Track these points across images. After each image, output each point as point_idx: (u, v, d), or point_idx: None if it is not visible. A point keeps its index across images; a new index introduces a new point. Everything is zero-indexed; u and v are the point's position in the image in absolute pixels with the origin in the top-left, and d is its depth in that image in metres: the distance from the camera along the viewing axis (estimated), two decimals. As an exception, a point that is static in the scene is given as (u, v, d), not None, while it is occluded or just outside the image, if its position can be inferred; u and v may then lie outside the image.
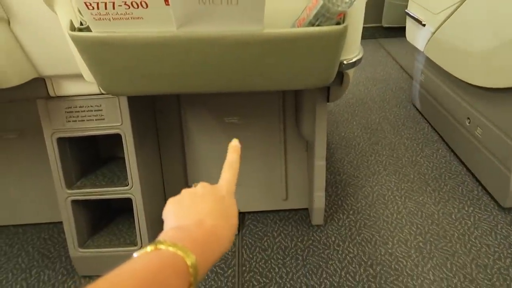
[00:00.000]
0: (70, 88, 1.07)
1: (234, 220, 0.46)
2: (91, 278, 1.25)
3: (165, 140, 1.40)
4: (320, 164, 1.31)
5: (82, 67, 0.92)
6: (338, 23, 0.78)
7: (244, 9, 0.69)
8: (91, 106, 1.09)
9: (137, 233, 1.20)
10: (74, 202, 1.17)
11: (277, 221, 1.45)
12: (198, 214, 0.43)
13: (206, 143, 1.40)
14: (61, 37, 0.90)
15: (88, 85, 1.05)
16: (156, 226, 1.33)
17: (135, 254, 0.35)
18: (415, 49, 2.09)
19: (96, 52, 0.76)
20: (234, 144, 0.54)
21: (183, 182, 1.44)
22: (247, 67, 0.83)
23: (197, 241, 0.39)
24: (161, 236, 0.38)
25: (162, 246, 0.36)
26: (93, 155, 1.33)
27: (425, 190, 1.58)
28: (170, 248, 0.36)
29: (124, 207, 1.34)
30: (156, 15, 0.71)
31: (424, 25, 1.92)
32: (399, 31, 2.91)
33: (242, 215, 1.47)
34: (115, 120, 1.11)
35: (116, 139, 1.16)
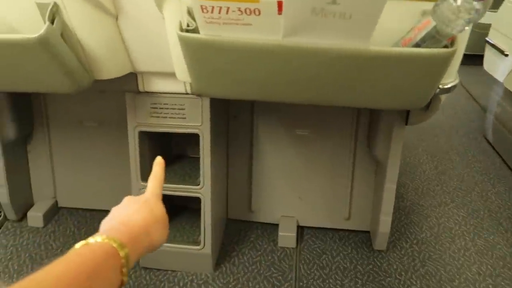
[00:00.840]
0: (158, 85, 1.11)
1: (162, 215, 0.51)
2: (151, 270, 1.28)
3: (233, 145, 1.42)
4: (390, 187, 1.27)
5: (177, 66, 0.96)
6: (445, 46, 0.75)
7: (355, 24, 0.69)
8: (175, 105, 1.13)
9: (201, 232, 1.22)
10: (146, 194, 1.21)
11: (337, 240, 1.42)
12: (125, 216, 0.48)
13: (274, 152, 1.40)
14: (161, 36, 0.94)
15: (175, 83, 1.09)
16: (218, 227, 1.34)
17: (77, 245, 0.40)
18: (492, 79, 1.99)
19: (201, 53, 0.79)
20: (158, 160, 0.60)
21: (246, 189, 1.45)
22: (343, 82, 0.82)
23: (125, 234, 0.43)
24: (93, 236, 0.42)
25: (92, 239, 0.40)
26: (166, 152, 1.38)
27: (497, 229, 1.49)
28: (99, 239, 0.40)
29: (185, 204, 1.37)
30: (265, 23, 0.73)
31: (506, 55, 1.82)
32: (472, 59, 2.79)
33: (301, 229, 1.46)
34: (196, 120, 1.14)
35: (187, 138, 1.19)
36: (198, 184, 1.19)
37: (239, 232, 1.45)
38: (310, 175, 1.41)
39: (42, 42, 0.80)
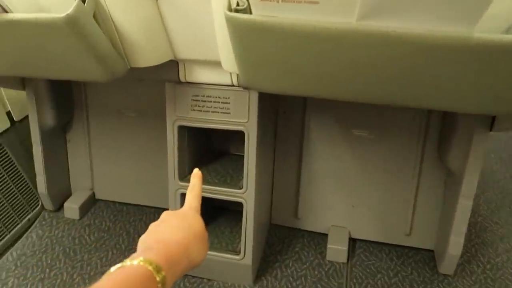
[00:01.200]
0: (201, 75, 0.99)
1: (201, 231, 0.49)
2: (186, 276, 1.18)
3: (282, 144, 1.27)
4: (465, 204, 1.07)
5: (223, 54, 0.82)
6: None
7: (460, 4, 0.51)
8: (219, 98, 1.00)
9: (242, 241, 1.09)
10: (184, 195, 1.10)
11: (395, 258, 1.24)
12: (163, 234, 0.46)
13: (326, 154, 1.24)
14: (206, 19, 0.81)
15: (221, 74, 0.96)
16: (260, 235, 1.21)
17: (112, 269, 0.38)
18: None
19: (252, 38, 0.64)
20: (196, 172, 0.58)
21: (292, 193, 1.31)
22: (429, 78, 0.65)
23: (163, 256, 0.40)
24: (128, 258, 0.39)
25: (129, 262, 0.38)
26: (207, 148, 1.26)
27: None
28: (135, 263, 0.37)
29: (225, 205, 1.25)
30: (335, 2, 0.57)
31: None
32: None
33: (352, 242, 1.29)
34: (242, 116, 1.00)
35: (231, 134, 1.05)
36: (241, 188, 1.06)
37: (283, 240, 1.31)
38: (366, 182, 1.24)
39: (70, 23, 0.69)
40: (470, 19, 0.53)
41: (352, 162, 1.23)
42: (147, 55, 0.85)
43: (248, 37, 0.64)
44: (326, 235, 1.29)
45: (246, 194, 1.05)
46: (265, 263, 1.22)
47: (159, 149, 1.26)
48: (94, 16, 0.74)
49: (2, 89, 1.34)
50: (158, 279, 0.38)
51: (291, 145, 1.26)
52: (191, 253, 0.45)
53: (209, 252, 1.09)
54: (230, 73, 0.95)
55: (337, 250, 1.23)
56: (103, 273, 1.29)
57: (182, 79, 0.99)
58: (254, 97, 0.98)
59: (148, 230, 0.48)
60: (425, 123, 1.15)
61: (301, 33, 0.60)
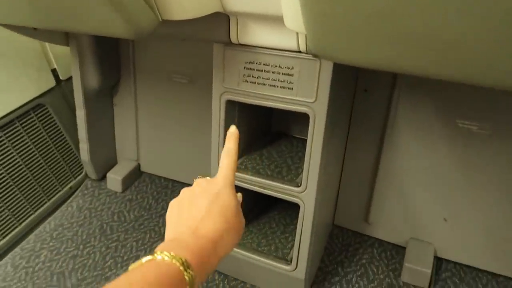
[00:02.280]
0: (258, 35, 0.74)
1: (235, 220, 0.43)
2: (227, 277, 1.00)
3: (357, 131, 1.00)
4: None
5: (287, 5, 0.57)
6: None
7: None
8: (280, 67, 0.76)
9: (295, 250, 0.87)
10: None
11: (496, 293, 0.95)
12: (194, 220, 0.42)
13: (417, 149, 0.95)
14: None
15: (283, 36, 0.71)
16: (319, 241, 0.98)
17: (130, 267, 0.35)
18: None
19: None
20: (232, 131, 0.51)
21: (365, 192, 1.05)
22: None
23: (194, 253, 0.37)
24: (159, 248, 0.37)
25: (160, 256, 0.36)
26: (263, 127, 1.03)
27: None
28: (166, 258, 0.35)
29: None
30: None
31: None
32: None
33: (438, 262, 1.01)
34: (308, 94, 0.75)
35: (294, 113, 0.81)
36: (299, 185, 0.83)
37: (347, 248, 1.07)
38: (468, 190, 0.93)
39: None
40: None
41: (452, 163, 0.93)
42: (184, 3, 0.62)
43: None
44: (404, 248, 1.03)
45: (305, 194, 0.82)
46: (322, 274, 1.00)
47: (209, 122, 1.07)
48: None
49: (47, 44, 1.22)
50: (187, 279, 0.35)
51: (370, 133, 0.99)
52: (221, 246, 0.41)
53: (255, 257, 0.90)
54: (297, 34, 0.70)
55: (417, 271, 0.96)
56: (137, 257, 1.07)
57: (233, 40, 0.76)
58: (327, 68, 0.72)
59: (177, 204, 0.44)
60: None
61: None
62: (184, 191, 0.46)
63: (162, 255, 0.36)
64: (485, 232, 0.95)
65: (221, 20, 0.73)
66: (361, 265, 1.02)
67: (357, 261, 1.03)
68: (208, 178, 0.48)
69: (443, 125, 0.91)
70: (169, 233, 0.43)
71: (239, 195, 0.49)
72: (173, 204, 0.45)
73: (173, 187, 1.30)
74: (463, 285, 0.96)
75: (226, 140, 0.50)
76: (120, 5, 0.57)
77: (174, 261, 0.35)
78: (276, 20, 0.66)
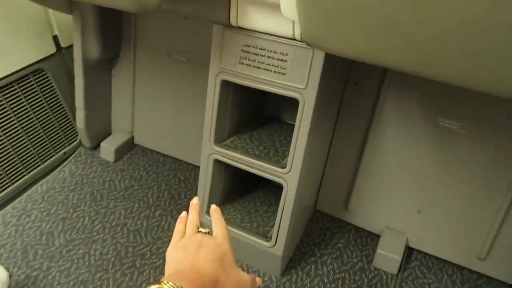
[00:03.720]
0: (257, 20, 0.78)
1: (231, 264, 0.49)
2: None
3: (345, 121, 1.05)
4: None
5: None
6: None
7: None
8: (275, 52, 0.79)
9: (275, 228, 0.92)
10: (217, 160, 0.95)
11: (458, 283, 1.01)
12: (198, 261, 0.47)
13: (399, 142, 1.00)
14: None
15: (280, 22, 0.74)
16: (299, 222, 1.04)
17: None
18: None
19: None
20: (214, 209, 0.58)
21: (347, 180, 1.10)
22: None
23: (195, 286, 0.42)
24: (165, 279, 0.41)
25: (166, 285, 0.39)
26: (255, 109, 1.07)
27: None
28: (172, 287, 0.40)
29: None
30: None
31: None
32: None
33: (409, 251, 1.07)
34: (299, 81, 0.79)
35: (286, 98, 0.85)
36: (284, 167, 0.87)
37: (326, 231, 1.12)
38: (443, 185, 0.99)
39: None
40: None
41: (430, 158, 0.98)
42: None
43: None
44: (378, 236, 1.08)
45: (289, 175, 0.87)
46: (299, 254, 1.06)
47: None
48: None
49: (50, 11, 1.23)
50: None
51: (357, 124, 1.03)
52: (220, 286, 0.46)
53: (237, 232, 0.95)
54: (293, 22, 0.73)
55: (387, 257, 1.02)
56: (124, 224, 1.13)
57: (233, 22, 0.79)
58: (319, 57, 0.76)
59: (182, 245, 0.50)
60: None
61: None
62: (189, 237, 0.51)
63: (168, 285, 0.40)
64: (455, 227, 1.01)
65: (222, 2, 0.76)
66: (337, 249, 1.08)
67: (333, 245, 1.09)
68: (208, 234, 0.53)
69: (425, 122, 0.96)
70: (170, 269, 0.48)
71: (259, 280, 0.55)
72: (177, 247, 0.50)
73: (164, 161, 1.34)
74: (430, 275, 1.03)
75: (211, 215, 0.57)
76: (127, -21, 0.60)
77: None
78: (274, 6, 0.69)
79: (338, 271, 1.02)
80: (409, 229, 1.06)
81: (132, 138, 1.38)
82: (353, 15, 0.47)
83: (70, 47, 1.29)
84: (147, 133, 1.36)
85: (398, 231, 1.07)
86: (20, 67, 1.17)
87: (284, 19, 0.71)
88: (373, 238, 1.10)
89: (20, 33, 1.16)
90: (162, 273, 1.00)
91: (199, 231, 0.53)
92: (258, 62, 0.82)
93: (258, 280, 0.55)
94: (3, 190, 1.15)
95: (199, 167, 1.12)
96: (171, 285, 0.39)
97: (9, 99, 1.15)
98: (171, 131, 1.31)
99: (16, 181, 1.18)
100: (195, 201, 0.58)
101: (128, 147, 1.38)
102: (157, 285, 0.40)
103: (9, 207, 1.14)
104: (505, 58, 0.43)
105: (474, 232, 0.99)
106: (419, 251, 1.07)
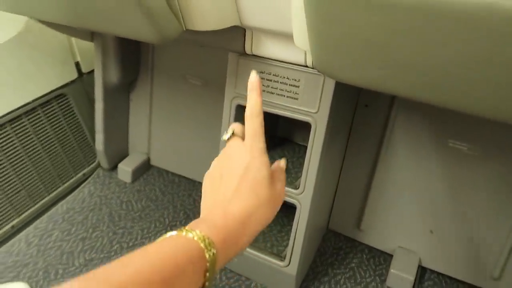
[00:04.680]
0: (270, 48, 0.82)
1: (268, 195, 0.41)
2: (224, 269, 1.07)
3: (356, 142, 1.07)
4: None
5: (296, 27, 0.65)
6: None
7: None
8: (288, 78, 0.83)
9: (289, 248, 0.94)
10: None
11: (473, 304, 1.01)
12: (224, 199, 0.40)
13: (409, 162, 1.02)
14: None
15: (293, 51, 0.78)
16: (313, 242, 1.05)
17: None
18: None
19: (336, 7, 0.46)
20: (254, 80, 0.43)
21: (359, 200, 1.12)
22: None
23: (220, 234, 0.37)
24: (188, 226, 0.36)
25: (184, 232, 0.35)
26: (269, 131, 1.10)
27: None
28: (190, 234, 0.35)
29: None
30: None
31: None
32: None
33: (422, 271, 1.08)
34: (311, 105, 0.83)
35: (299, 121, 0.88)
36: (297, 188, 0.90)
37: (339, 251, 1.13)
38: (455, 205, 1.00)
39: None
40: None
41: (441, 179, 1.00)
42: (207, 17, 0.70)
43: (329, 6, 0.46)
44: (391, 256, 1.09)
45: (302, 196, 0.89)
46: (313, 273, 1.07)
47: (220, 123, 1.14)
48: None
49: (73, 38, 1.30)
50: (207, 256, 0.34)
51: (368, 145, 1.06)
52: (251, 225, 0.39)
53: (251, 251, 0.97)
54: (306, 51, 0.77)
55: (401, 277, 1.03)
56: (142, 244, 1.18)
57: (247, 50, 0.84)
58: (330, 83, 0.80)
59: (211, 178, 0.43)
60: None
61: (405, 6, 0.41)
62: (215, 164, 0.44)
63: (185, 231, 0.35)
64: (467, 246, 1.01)
65: (237, 32, 0.81)
66: (350, 268, 1.09)
67: (346, 264, 1.10)
68: (237, 141, 0.44)
69: (436, 144, 0.98)
70: (203, 207, 0.42)
71: (283, 162, 0.46)
72: (206, 177, 0.44)
73: (179, 182, 1.38)
74: (444, 295, 1.03)
75: (248, 92, 0.44)
76: (150, 13, 0.65)
77: (196, 238, 0.35)
78: (287, 36, 0.74)
79: (351, 291, 1.03)
80: (421, 249, 1.07)
81: (149, 159, 1.43)
82: (361, 48, 0.50)
83: (91, 72, 1.36)
84: (163, 154, 1.41)
85: (410, 251, 1.08)
86: (44, 93, 1.24)
87: (296, 48, 0.75)
88: (386, 257, 1.11)
89: (46, 60, 1.23)
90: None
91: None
92: (271, 87, 0.85)
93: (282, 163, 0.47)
94: (26, 211, 1.19)
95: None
96: (189, 231, 0.35)
97: (33, 123, 1.20)
98: (186, 152, 1.35)
99: (38, 202, 1.23)
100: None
101: (145, 168, 1.42)
102: (175, 232, 0.35)
103: (31, 227, 1.18)
104: (508, 88, 0.46)
105: (486, 252, 1.00)
106: (432, 271, 1.08)
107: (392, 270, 1.03)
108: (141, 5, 0.63)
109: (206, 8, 0.68)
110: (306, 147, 0.88)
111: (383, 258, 1.11)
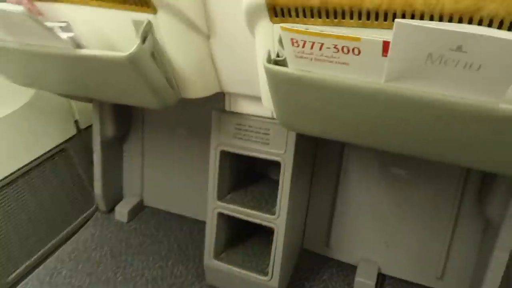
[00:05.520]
0: (245, 106, 1.06)
1: None
2: (209, 286, 1.26)
3: (319, 174, 1.31)
4: (500, 255, 1.04)
5: (264, 93, 0.89)
6: None
7: (485, 77, 0.54)
8: (260, 128, 1.07)
9: (270, 264, 1.14)
10: (220, 213, 1.18)
11: (423, 301, 1.23)
12: None
13: (362, 188, 1.26)
14: (252, 60, 0.88)
15: (262, 107, 1.02)
16: (290, 259, 1.26)
17: None
18: None
19: (288, 88, 0.70)
20: None
21: (325, 222, 1.34)
22: (454, 141, 0.66)
23: None
24: None
25: None
26: (248, 171, 1.33)
27: None
28: None
29: (260, 226, 1.32)
30: (365, 64, 0.61)
31: None
32: None
33: (382, 277, 1.29)
34: (279, 147, 1.06)
35: (271, 161, 1.11)
36: (274, 214, 1.11)
37: (312, 267, 1.34)
38: (401, 221, 1.24)
39: (132, 61, 0.79)
40: (495, 93, 0.55)
41: (388, 200, 1.24)
42: (197, 88, 0.94)
43: (284, 86, 0.70)
44: (355, 267, 1.30)
45: (278, 220, 1.11)
46: (292, 287, 1.26)
47: (205, 166, 1.35)
48: (152, 54, 0.84)
49: (71, 101, 1.51)
50: None
51: (328, 174, 1.29)
52: None
53: (239, 270, 1.16)
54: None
55: (364, 284, 1.24)
56: (143, 274, 1.42)
57: (227, 108, 1.07)
58: (293, 132, 1.04)
59: None
60: (466, 169, 1.14)
61: (332, 88, 0.65)
62: None
63: None
64: (415, 253, 1.24)
65: (219, 96, 1.04)
66: (323, 281, 1.29)
67: (319, 278, 1.30)
68: None
69: (381, 171, 1.22)
70: None
71: None
72: None
73: (171, 218, 1.56)
74: (401, 295, 1.24)
75: None
76: (156, 90, 0.87)
77: None
78: (258, 98, 0.98)
79: (325, 299, 1.23)
80: (379, 259, 1.29)
81: (142, 201, 1.61)
82: (307, 111, 0.74)
83: (87, 128, 1.56)
84: (155, 195, 1.59)
85: (371, 261, 1.30)
86: (49, 148, 1.42)
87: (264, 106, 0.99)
88: (352, 269, 1.32)
89: (50, 121, 1.42)
90: (178, 313, 1.18)
91: None
92: (248, 136, 1.09)
93: None
94: (36, 253, 1.34)
95: (201, 221, 1.34)
96: None
97: (41, 174, 1.38)
98: (175, 192, 1.55)
99: (46, 244, 1.38)
100: None
101: (139, 209, 1.60)
102: None
103: (41, 267, 1.33)
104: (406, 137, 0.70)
105: (430, 257, 1.23)
106: (390, 277, 1.29)
107: (357, 278, 1.25)
108: (149, 85, 0.85)
109: (197, 82, 0.92)
110: (278, 181, 1.11)
111: (350, 270, 1.32)
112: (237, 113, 1.08)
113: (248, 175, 1.32)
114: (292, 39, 0.63)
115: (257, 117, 1.06)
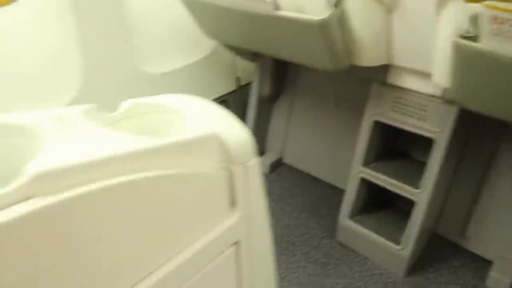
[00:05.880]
0: (407, 81, 1.10)
1: None
2: (345, 247, 1.35)
3: (469, 157, 1.28)
4: None
5: (438, 69, 0.92)
6: None
7: None
8: (418, 104, 1.10)
9: (405, 236, 1.19)
10: (362, 179, 1.26)
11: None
12: None
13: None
14: (429, 36, 0.91)
15: (424, 83, 1.05)
16: (423, 237, 1.28)
17: None
18: None
19: (476, 64, 0.73)
20: None
21: (466, 210, 1.31)
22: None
23: None
24: None
25: None
26: (391, 147, 1.37)
27: None
28: None
29: (392, 202, 1.36)
30: None
31: None
32: None
33: None
34: (436, 125, 1.08)
35: (416, 139, 1.14)
36: (418, 188, 1.15)
37: (443, 252, 1.34)
38: None
39: (323, 25, 0.90)
40: None
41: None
42: (369, 57, 1.01)
43: (472, 62, 0.73)
44: (490, 262, 1.27)
45: (422, 194, 1.14)
46: (419, 265, 1.29)
47: (348, 135, 1.44)
48: (339, 22, 0.93)
49: (236, 59, 1.71)
50: None
51: (480, 159, 1.25)
52: None
53: (371, 233, 1.24)
54: (433, 84, 1.03)
55: (500, 280, 1.20)
56: (279, 220, 1.52)
57: (389, 81, 1.12)
58: (452, 111, 1.04)
59: None
60: None
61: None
62: None
63: None
64: None
65: (384, 67, 1.09)
66: (453, 267, 1.29)
67: (449, 263, 1.30)
68: None
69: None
70: None
71: None
72: None
73: (307, 178, 1.69)
74: None
75: None
76: (334, 54, 0.97)
77: None
78: (422, 74, 1.01)
79: (453, 284, 1.23)
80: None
81: (281, 158, 1.77)
82: (494, 91, 0.76)
83: (246, 85, 1.76)
84: (294, 155, 1.74)
85: (509, 259, 1.24)
86: (214, 98, 1.65)
87: (427, 82, 1.01)
88: (487, 264, 1.28)
89: (218, 74, 1.65)
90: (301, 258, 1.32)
91: None
92: (405, 110, 1.13)
93: None
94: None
95: (335, 186, 1.44)
96: None
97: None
98: (314, 155, 1.66)
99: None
100: None
101: (278, 164, 1.76)
102: None
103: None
104: None
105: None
106: None
107: (492, 273, 1.21)
108: (330, 49, 0.95)
109: (371, 51, 0.99)
110: (422, 163, 1.13)
111: (485, 264, 1.28)
112: (397, 86, 1.12)
113: (390, 152, 1.36)
114: (494, 16, 0.66)
115: (417, 93, 1.09)
